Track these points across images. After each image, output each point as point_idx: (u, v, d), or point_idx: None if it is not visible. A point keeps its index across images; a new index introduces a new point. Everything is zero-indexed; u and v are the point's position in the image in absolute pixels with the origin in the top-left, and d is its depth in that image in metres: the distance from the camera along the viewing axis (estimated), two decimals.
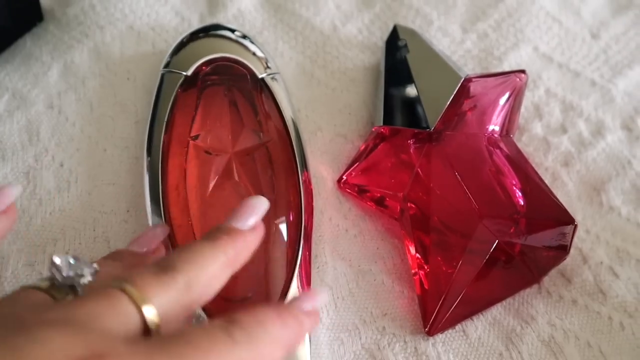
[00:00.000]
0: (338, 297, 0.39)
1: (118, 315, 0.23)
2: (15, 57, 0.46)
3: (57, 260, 0.26)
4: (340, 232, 0.41)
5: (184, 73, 0.41)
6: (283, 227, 0.38)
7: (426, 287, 0.38)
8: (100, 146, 0.42)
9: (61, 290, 0.25)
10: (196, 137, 0.40)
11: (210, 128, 0.41)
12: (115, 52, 0.46)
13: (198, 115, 0.41)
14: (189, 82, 0.41)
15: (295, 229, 0.38)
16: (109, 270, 0.28)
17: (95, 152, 0.42)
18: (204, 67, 0.42)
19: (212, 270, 0.27)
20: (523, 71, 0.41)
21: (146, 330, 0.24)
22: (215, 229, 0.29)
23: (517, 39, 0.48)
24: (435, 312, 0.37)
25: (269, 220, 0.38)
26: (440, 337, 0.37)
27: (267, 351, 0.25)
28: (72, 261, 0.26)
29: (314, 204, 0.40)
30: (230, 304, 0.36)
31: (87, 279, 0.26)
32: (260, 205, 0.31)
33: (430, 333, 0.37)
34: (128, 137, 0.43)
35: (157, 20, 0.47)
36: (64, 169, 0.41)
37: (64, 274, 0.26)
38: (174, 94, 0.41)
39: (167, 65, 0.42)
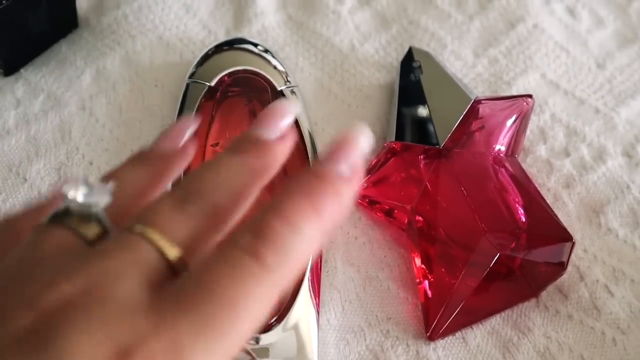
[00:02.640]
0: (346, 300, 0.41)
1: (142, 269, 0.20)
2: (50, 61, 0.48)
3: (70, 192, 0.23)
4: (350, 240, 0.43)
5: (208, 84, 0.44)
6: None
7: (429, 295, 0.40)
8: (127, 147, 0.45)
9: (83, 220, 0.22)
10: (216, 144, 0.42)
11: (230, 136, 0.43)
12: (145, 61, 0.49)
13: (218, 124, 0.43)
14: (212, 92, 0.44)
15: None
16: (129, 182, 0.25)
17: (122, 153, 0.44)
18: (226, 78, 0.44)
19: (239, 189, 0.24)
20: (530, 96, 0.43)
21: (174, 270, 0.21)
22: (241, 139, 0.26)
23: (526, 65, 0.51)
24: (436, 319, 0.39)
25: None
26: (441, 342, 0.39)
27: (305, 261, 0.21)
28: (83, 187, 0.23)
29: None
30: None
31: (103, 203, 0.22)
32: (289, 108, 0.26)
33: (432, 338, 0.39)
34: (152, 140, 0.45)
35: (185, 32, 0.50)
36: (93, 167, 0.44)
37: (80, 201, 0.22)
38: (198, 103, 0.43)
39: (192, 75, 0.45)
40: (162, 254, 0.21)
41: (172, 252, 0.21)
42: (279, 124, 0.26)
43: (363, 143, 0.24)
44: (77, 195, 0.22)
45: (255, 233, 0.20)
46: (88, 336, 0.18)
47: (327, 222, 0.22)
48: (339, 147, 0.24)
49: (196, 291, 0.19)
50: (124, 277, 0.20)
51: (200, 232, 0.22)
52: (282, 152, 0.26)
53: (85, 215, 0.22)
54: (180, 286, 0.20)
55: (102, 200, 0.23)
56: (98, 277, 0.20)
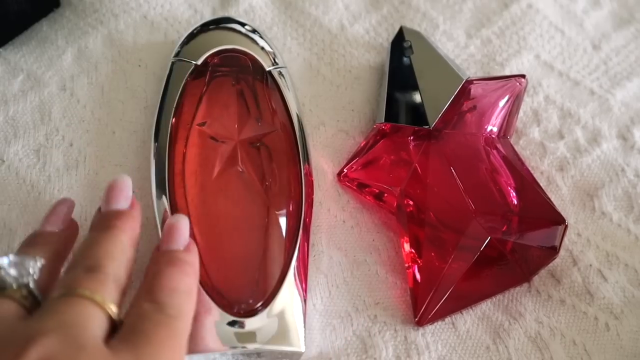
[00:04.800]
0: (332, 285, 0.40)
1: (94, 322, 0.27)
2: (31, 40, 0.47)
3: (4, 262, 0.28)
4: (338, 223, 0.42)
5: (194, 62, 0.43)
6: (283, 217, 0.39)
7: (418, 280, 0.39)
8: (109, 129, 0.43)
9: (17, 290, 0.28)
10: (203, 124, 0.41)
11: (217, 116, 0.42)
12: (128, 40, 0.47)
13: (205, 103, 0.42)
14: (199, 71, 0.43)
15: (294, 219, 0.39)
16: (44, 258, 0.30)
17: (104, 134, 0.43)
18: (213, 58, 0.43)
19: (124, 257, 0.31)
20: (523, 76, 0.42)
21: (113, 326, 0.28)
22: (101, 217, 0.33)
23: (520, 46, 0.49)
24: (425, 304, 0.38)
25: (269, 210, 0.39)
26: (430, 328, 0.38)
27: (192, 305, 0.30)
28: (14, 260, 0.28)
29: (314, 195, 0.41)
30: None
31: (36, 275, 0.29)
32: (124, 184, 0.34)
33: (420, 323, 0.38)
34: (137, 121, 0.44)
35: (170, 11, 0.49)
36: (73, 148, 0.42)
37: (12, 273, 0.28)
38: (184, 82, 0.42)
39: (177, 55, 0.44)
40: (107, 312, 0.27)
41: (115, 311, 0.28)
42: (125, 199, 0.33)
43: (186, 224, 0.34)
44: (10, 267, 0.28)
45: (156, 300, 0.29)
46: None
47: (192, 277, 0.32)
48: (171, 233, 0.33)
49: (141, 339, 0.27)
50: (86, 327, 0.26)
51: (114, 293, 0.28)
52: (138, 215, 0.34)
53: (18, 285, 0.28)
54: (126, 337, 0.27)
55: (33, 272, 0.28)
56: (66, 328, 0.25)
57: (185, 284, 0.31)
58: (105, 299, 0.28)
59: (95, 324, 0.27)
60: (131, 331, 0.27)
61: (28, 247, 0.32)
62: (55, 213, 0.35)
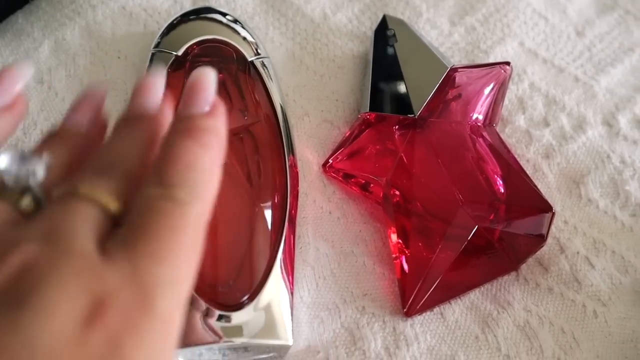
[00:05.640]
0: (320, 277, 0.39)
1: (88, 225, 0.22)
2: (6, 33, 0.46)
3: (3, 163, 0.23)
4: (324, 214, 0.41)
5: (175, 53, 0.42)
6: (268, 210, 0.39)
7: (406, 270, 0.39)
8: None
9: (15, 193, 0.24)
10: None
11: None
12: (107, 31, 0.46)
13: None
14: (179, 62, 0.42)
15: (279, 212, 0.39)
16: (58, 160, 0.26)
17: None
18: (194, 48, 0.42)
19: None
20: (508, 63, 0.42)
21: (115, 222, 0.23)
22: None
23: (504, 33, 0.49)
24: (413, 295, 0.37)
25: (253, 202, 0.39)
26: (418, 318, 0.38)
27: (212, 186, 0.24)
28: (14, 158, 0.24)
29: (299, 186, 0.41)
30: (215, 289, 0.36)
31: (40, 175, 0.24)
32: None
33: (408, 314, 0.38)
34: (117, 113, 0.43)
35: (149, 1, 0.48)
36: None
37: (14, 173, 0.24)
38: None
39: (157, 45, 0.43)
40: (104, 208, 0.23)
41: (114, 205, 0.23)
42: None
43: (212, 79, 0.26)
44: (12, 168, 0.24)
45: (164, 182, 0.23)
46: (62, 290, 0.19)
47: (214, 150, 0.25)
48: (191, 92, 0.26)
49: (140, 236, 0.22)
50: (76, 232, 0.22)
51: (123, 189, 0.24)
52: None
53: (19, 188, 0.24)
54: (124, 235, 0.22)
55: (37, 173, 0.24)
56: (53, 235, 0.21)
57: (203, 160, 0.24)
58: (104, 195, 0.23)
59: (89, 227, 0.22)
60: (130, 228, 0.22)
61: (44, 143, 0.27)
62: (81, 105, 0.28)
